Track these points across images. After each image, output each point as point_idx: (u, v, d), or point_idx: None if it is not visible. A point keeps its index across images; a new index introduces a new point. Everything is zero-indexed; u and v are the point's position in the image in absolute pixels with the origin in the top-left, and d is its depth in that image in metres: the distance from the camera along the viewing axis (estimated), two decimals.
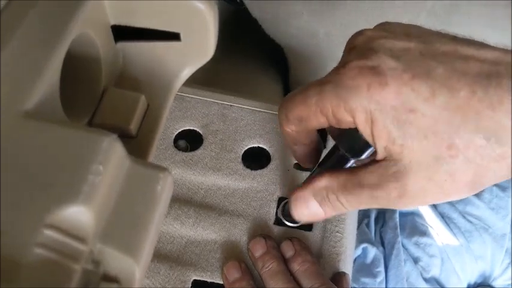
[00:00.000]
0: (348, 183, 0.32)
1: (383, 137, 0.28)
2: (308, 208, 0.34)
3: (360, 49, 0.29)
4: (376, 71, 0.27)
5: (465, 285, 0.65)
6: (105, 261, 0.22)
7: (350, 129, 0.31)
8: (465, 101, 0.26)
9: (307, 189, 0.34)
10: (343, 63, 0.29)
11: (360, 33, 0.31)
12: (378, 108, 0.27)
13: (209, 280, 0.44)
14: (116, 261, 0.22)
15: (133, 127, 0.31)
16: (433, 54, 0.28)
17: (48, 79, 0.25)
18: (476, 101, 0.26)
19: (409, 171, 0.28)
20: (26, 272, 0.20)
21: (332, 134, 0.40)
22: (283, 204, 0.47)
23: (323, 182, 0.33)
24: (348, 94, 0.28)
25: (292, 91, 0.33)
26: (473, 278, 0.66)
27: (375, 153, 0.31)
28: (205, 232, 0.46)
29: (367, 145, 0.32)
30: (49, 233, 0.21)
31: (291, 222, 0.46)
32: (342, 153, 0.35)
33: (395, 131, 0.28)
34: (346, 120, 0.29)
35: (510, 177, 0.29)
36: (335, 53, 0.69)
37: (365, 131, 0.29)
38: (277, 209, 0.47)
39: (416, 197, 0.29)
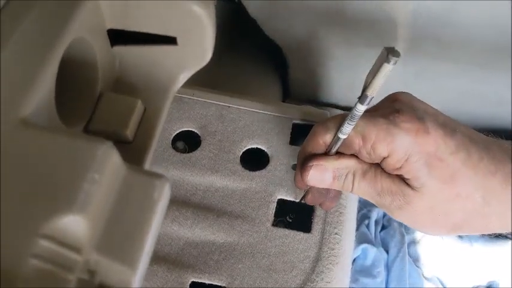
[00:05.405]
0: (369, 174, 0.37)
1: (411, 172, 0.34)
2: (321, 175, 0.38)
3: (405, 103, 0.35)
4: (422, 121, 0.33)
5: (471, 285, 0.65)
6: (101, 271, 0.22)
7: None
8: (476, 163, 0.33)
9: (331, 161, 0.37)
10: (395, 110, 0.34)
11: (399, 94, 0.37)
12: (417, 150, 0.33)
13: (207, 282, 0.44)
14: (112, 271, 0.22)
15: (129, 132, 0.30)
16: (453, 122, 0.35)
17: (44, 85, 0.25)
18: (483, 165, 0.33)
19: (419, 198, 0.35)
20: (22, 283, 0.20)
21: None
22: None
23: (351, 162, 0.37)
24: (398, 133, 0.33)
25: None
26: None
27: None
28: (203, 233, 0.46)
29: None
30: (44, 243, 0.20)
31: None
32: None
33: (423, 171, 0.33)
34: (379, 153, 0.34)
35: (484, 233, 0.38)
36: (334, 53, 0.69)
37: (396, 164, 0.34)
38: (275, 210, 0.47)
39: (411, 216, 0.36)
